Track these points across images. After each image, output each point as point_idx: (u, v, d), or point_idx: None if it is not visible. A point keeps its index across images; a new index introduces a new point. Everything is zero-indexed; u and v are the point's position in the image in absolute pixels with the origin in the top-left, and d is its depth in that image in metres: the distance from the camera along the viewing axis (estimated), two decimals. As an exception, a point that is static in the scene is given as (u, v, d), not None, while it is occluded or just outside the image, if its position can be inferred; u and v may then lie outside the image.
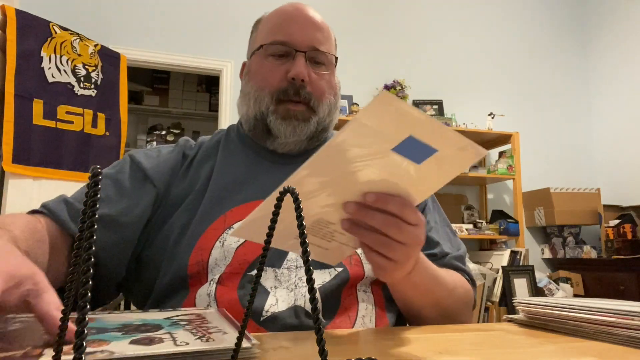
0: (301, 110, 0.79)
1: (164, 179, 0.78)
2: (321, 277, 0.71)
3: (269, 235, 0.32)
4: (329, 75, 0.83)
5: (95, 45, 2.66)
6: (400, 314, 0.81)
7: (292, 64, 0.78)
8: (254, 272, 0.69)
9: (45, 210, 0.71)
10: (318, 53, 0.81)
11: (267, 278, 0.69)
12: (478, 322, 2.90)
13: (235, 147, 0.85)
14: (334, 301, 0.71)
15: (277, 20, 0.82)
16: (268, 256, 0.67)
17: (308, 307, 0.68)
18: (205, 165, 0.81)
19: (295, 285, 0.69)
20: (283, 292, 0.68)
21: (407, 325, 0.80)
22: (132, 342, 0.40)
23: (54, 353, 0.27)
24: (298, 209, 0.28)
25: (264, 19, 0.86)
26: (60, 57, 2.47)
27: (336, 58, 0.86)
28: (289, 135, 0.79)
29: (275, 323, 0.66)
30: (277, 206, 0.31)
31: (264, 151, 0.83)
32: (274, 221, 0.32)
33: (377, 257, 0.53)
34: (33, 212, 0.71)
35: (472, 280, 0.83)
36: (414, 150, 0.46)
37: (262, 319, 0.66)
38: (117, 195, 0.75)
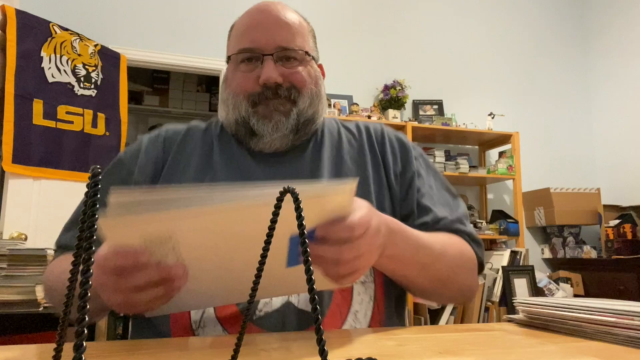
0: (282, 102, 0.79)
1: (148, 174, 0.79)
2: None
3: (269, 235, 0.32)
4: (306, 70, 0.82)
5: (95, 45, 2.66)
6: (399, 297, 0.81)
7: (261, 69, 0.78)
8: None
9: (61, 249, 0.79)
10: (287, 51, 0.79)
11: None
12: (478, 322, 2.90)
13: (231, 143, 0.84)
14: (326, 297, 0.70)
15: (243, 26, 0.82)
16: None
17: (301, 305, 0.68)
18: (194, 157, 0.81)
19: None
20: None
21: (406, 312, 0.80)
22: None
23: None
24: (298, 209, 0.28)
25: (235, 24, 0.86)
26: (60, 57, 2.47)
27: (306, 52, 0.82)
28: (272, 132, 0.78)
29: (269, 321, 0.66)
30: (277, 206, 0.31)
31: (252, 152, 0.82)
32: (274, 221, 0.32)
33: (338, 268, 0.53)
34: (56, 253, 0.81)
35: (474, 241, 0.81)
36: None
37: (255, 317, 0.66)
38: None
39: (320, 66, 0.88)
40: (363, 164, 0.82)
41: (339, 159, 0.83)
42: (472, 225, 0.84)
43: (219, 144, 0.83)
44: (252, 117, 0.79)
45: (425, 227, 0.79)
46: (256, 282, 0.34)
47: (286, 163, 0.81)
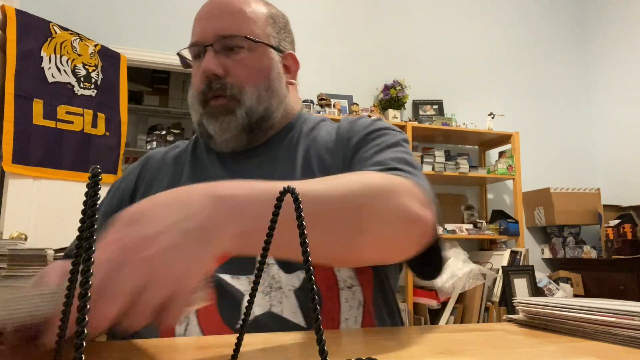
0: (222, 103, 0.76)
1: (126, 202, 0.78)
2: (290, 282, 0.66)
3: (270, 234, 0.32)
4: (254, 59, 0.77)
5: (95, 45, 2.66)
6: (389, 298, 0.74)
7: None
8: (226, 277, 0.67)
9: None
10: (226, 40, 0.75)
11: (242, 283, 0.66)
12: (478, 322, 2.90)
13: (201, 152, 0.83)
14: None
15: (194, 19, 0.80)
16: (242, 265, 0.66)
17: (286, 314, 0.65)
18: (166, 178, 0.80)
19: (270, 288, 0.66)
20: (258, 296, 0.65)
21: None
22: None
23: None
24: (298, 208, 0.28)
25: None
26: (60, 57, 2.47)
27: (247, 37, 0.76)
28: (220, 132, 0.76)
29: (252, 330, 0.62)
30: (278, 206, 0.31)
31: (215, 153, 0.81)
32: (274, 221, 0.32)
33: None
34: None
35: (421, 185, 0.61)
36: None
37: (237, 326, 0.63)
38: None
39: (290, 55, 0.83)
40: (333, 158, 0.75)
41: (309, 155, 0.77)
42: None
43: (190, 157, 0.82)
44: (203, 117, 0.77)
45: None
46: (257, 277, 0.34)
47: (254, 163, 0.78)
